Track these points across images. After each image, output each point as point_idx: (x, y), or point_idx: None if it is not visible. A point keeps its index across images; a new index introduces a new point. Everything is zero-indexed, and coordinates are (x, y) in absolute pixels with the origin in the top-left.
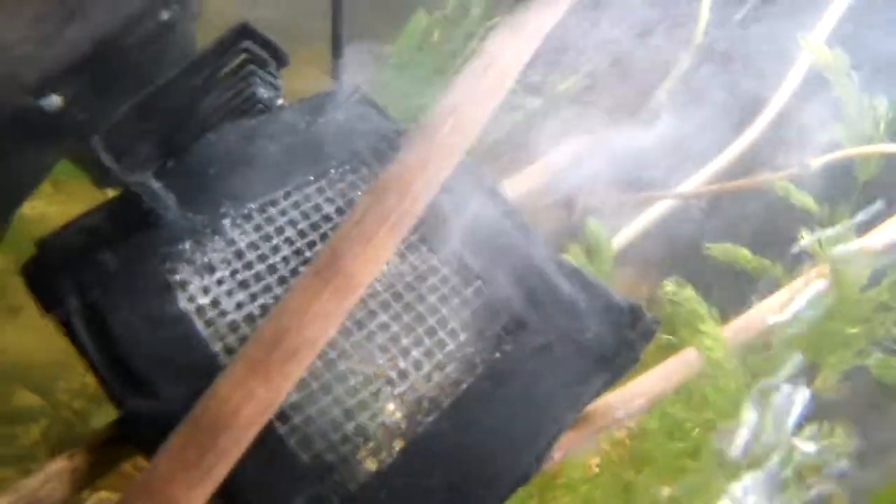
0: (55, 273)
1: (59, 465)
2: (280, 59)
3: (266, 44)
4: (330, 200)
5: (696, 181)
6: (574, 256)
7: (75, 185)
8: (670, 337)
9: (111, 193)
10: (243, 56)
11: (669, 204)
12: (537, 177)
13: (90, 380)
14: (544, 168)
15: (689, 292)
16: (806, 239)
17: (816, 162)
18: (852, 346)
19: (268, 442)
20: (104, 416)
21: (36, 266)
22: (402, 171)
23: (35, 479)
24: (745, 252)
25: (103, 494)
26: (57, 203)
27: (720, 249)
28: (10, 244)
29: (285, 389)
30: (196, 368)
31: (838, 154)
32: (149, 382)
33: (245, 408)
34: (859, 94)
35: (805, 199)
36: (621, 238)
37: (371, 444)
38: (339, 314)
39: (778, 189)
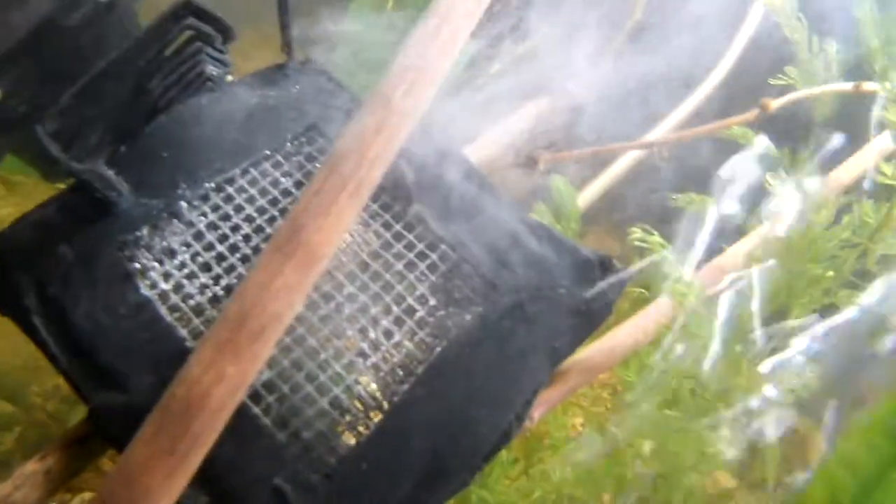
0: (9, 271)
1: (31, 468)
2: (226, 34)
3: (211, 19)
4: (288, 174)
5: (658, 132)
6: (540, 215)
7: (30, 186)
8: (644, 290)
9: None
10: (188, 33)
11: (633, 158)
12: (498, 139)
13: (63, 381)
14: (504, 131)
15: (656, 238)
16: (772, 183)
17: (774, 104)
18: (821, 285)
19: (242, 423)
20: (79, 415)
21: None
22: (357, 137)
23: (6, 484)
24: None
25: (87, 496)
26: (10, 206)
27: (686, 199)
28: None
29: (255, 368)
30: (163, 356)
31: (794, 96)
32: (116, 374)
33: (216, 390)
34: (809, 35)
35: (747, 134)
36: (588, 194)
37: (348, 418)
38: (303, 287)
39: (735, 135)
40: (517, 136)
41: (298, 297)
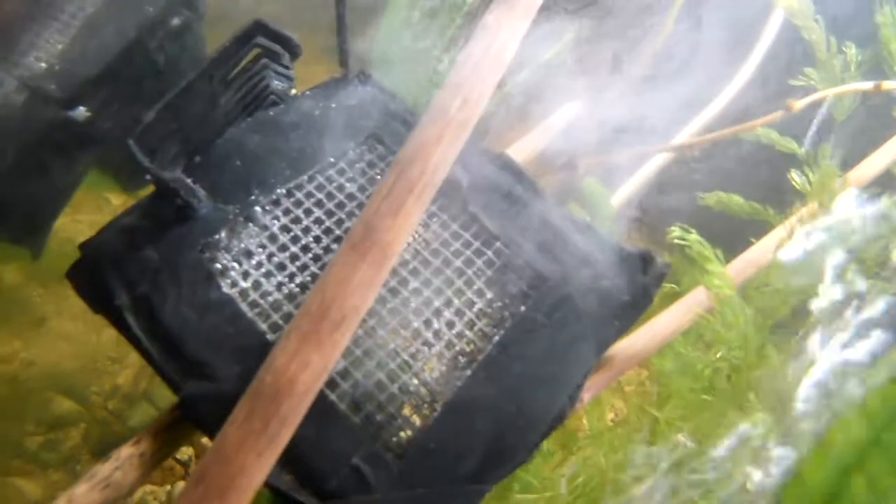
0: (101, 273)
1: (128, 451)
2: (293, 51)
3: (279, 37)
4: (352, 180)
5: (686, 133)
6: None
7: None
8: (674, 286)
9: (112, 199)
10: (257, 51)
11: (664, 158)
12: (538, 142)
13: (121, 380)
14: (543, 133)
15: (694, 236)
16: (796, 178)
17: (798, 105)
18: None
19: (321, 408)
20: (139, 413)
21: (81, 269)
22: (420, 145)
23: (107, 465)
24: (737, 198)
25: (148, 488)
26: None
27: (714, 198)
28: (26, 258)
29: (336, 356)
30: (246, 348)
31: (817, 95)
32: (204, 365)
33: (301, 376)
34: (827, 37)
35: (787, 143)
36: (621, 194)
37: (415, 402)
38: (377, 282)
39: (760, 135)
40: (555, 138)
41: (373, 291)
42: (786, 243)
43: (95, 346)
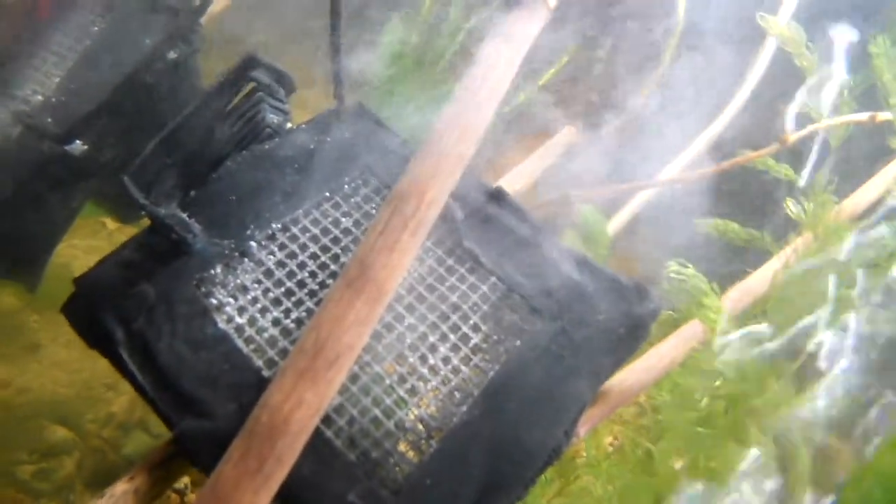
0: (96, 308)
1: (122, 488)
2: (287, 85)
3: (273, 72)
4: (347, 214)
5: (677, 164)
6: (571, 243)
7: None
8: (671, 312)
9: (108, 223)
10: (252, 85)
11: (656, 189)
12: (533, 171)
13: (116, 408)
14: (538, 162)
15: (691, 270)
16: (792, 208)
17: (792, 137)
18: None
19: (317, 445)
20: (134, 441)
21: (77, 303)
22: (415, 180)
23: (103, 501)
24: (734, 225)
25: None
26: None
27: (711, 225)
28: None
29: (331, 394)
30: (242, 384)
31: (812, 127)
32: (199, 402)
33: (296, 414)
34: (819, 64)
35: (787, 171)
36: (615, 222)
37: (411, 438)
38: (372, 319)
39: (760, 165)
40: (547, 170)
41: (368, 329)
42: (780, 274)
43: (90, 374)
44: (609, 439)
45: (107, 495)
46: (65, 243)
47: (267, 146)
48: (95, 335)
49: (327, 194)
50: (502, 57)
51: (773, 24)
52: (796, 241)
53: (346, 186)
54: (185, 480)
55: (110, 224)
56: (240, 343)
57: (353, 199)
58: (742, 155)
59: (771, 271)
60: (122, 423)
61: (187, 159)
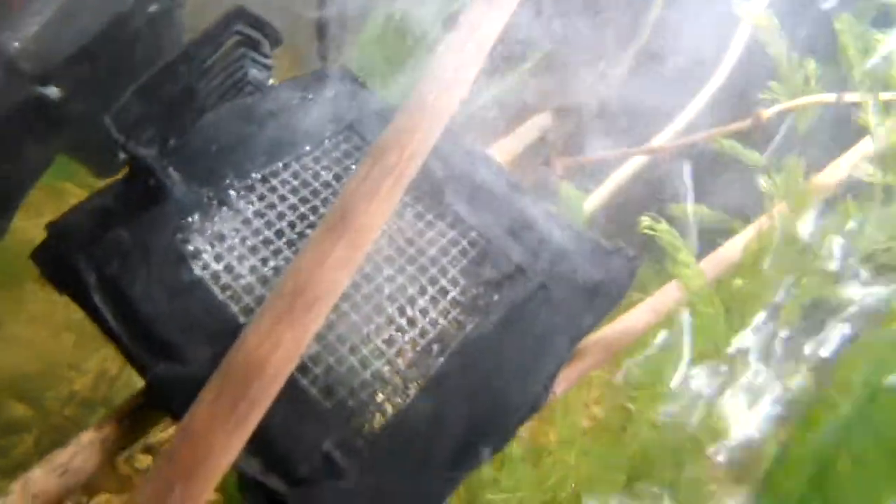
0: (68, 252)
1: (89, 436)
2: (273, 39)
3: (260, 24)
4: (327, 168)
5: (660, 139)
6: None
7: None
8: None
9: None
10: (236, 38)
11: (636, 165)
12: (515, 145)
13: (79, 386)
14: (521, 137)
15: (664, 226)
16: (764, 183)
17: (766, 114)
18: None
19: (292, 392)
20: (97, 419)
21: (48, 248)
22: (398, 132)
23: (66, 450)
24: (704, 209)
25: (104, 497)
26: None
27: (682, 209)
28: None
29: (308, 337)
30: (217, 330)
31: (783, 105)
32: (173, 347)
33: (272, 357)
34: (790, 52)
35: (749, 154)
36: (594, 199)
37: (388, 388)
38: (352, 265)
39: (724, 146)
40: (535, 139)
41: (347, 273)
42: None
43: (53, 352)
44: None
45: (73, 443)
46: (30, 222)
47: (249, 100)
48: (66, 280)
49: (308, 148)
50: (486, 18)
51: (747, 10)
52: (772, 211)
53: (326, 142)
54: (148, 461)
55: (74, 199)
56: (216, 290)
57: (333, 154)
58: (717, 129)
59: (745, 239)
60: (85, 400)
61: (167, 109)
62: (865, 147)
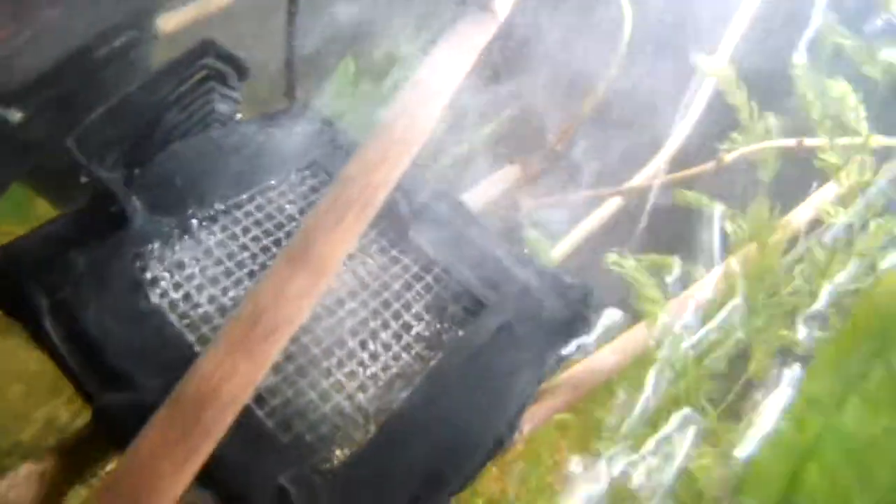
0: (21, 275)
1: (27, 469)
2: (241, 72)
3: (228, 57)
4: (292, 202)
5: (633, 181)
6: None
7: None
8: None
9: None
10: (204, 73)
11: (610, 210)
12: (486, 193)
13: (25, 436)
14: (492, 185)
15: (630, 262)
16: (729, 226)
17: (727, 158)
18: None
19: (248, 425)
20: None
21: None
22: (364, 162)
23: (3, 483)
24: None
25: None
26: None
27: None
28: None
29: (265, 367)
30: (171, 359)
31: (746, 149)
32: (124, 375)
33: (227, 384)
34: (750, 103)
35: (699, 199)
36: (564, 245)
37: (348, 423)
38: (313, 294)
39: (678, 195)
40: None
41: (308, 303)
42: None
43: None
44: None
45: (9, 476)
46: None
47: (215, 133)
48: (17, 303)
49: (273, 182)
50: (450, 58)
51: (706, 63)
52: (738, 252)
53: (292, 176)
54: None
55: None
56: (173, 319)
57: (299, 189)
58: (681, 172)
59: (714, 279)
60: (29, 450)
61: (132, 137)
62: (830, 190)
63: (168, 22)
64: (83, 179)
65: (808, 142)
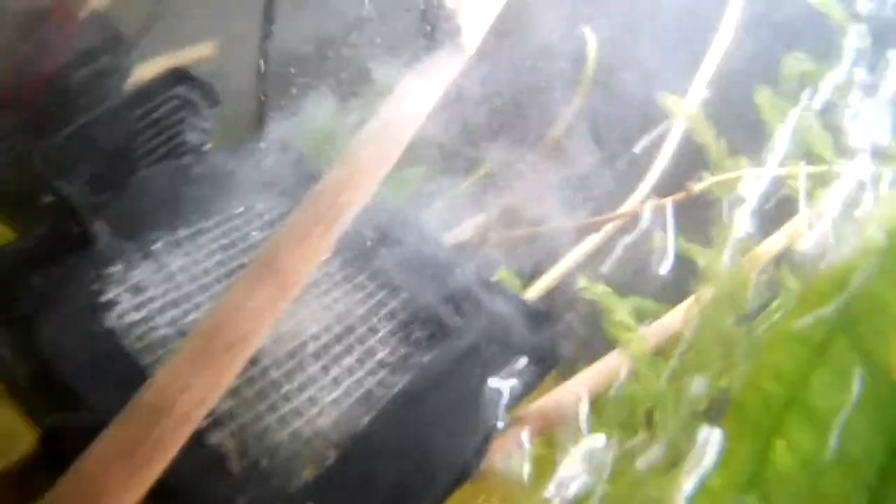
0: None
1: None
2: (212, 101)
3: (198, 85)
4: (259, 229)
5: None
6: None
7: None
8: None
9: None
10: (175, 102)
11: (584, 250)
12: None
13: None
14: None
15: (602, 288)
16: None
17: (696, 187)
18: None
19: (203, 448)
20: None
21: None
22: (331, 184)
23: None
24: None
25: None
26: None
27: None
28: None
29: (222, 383)
30: (127, 382)
31: (714, 179)
32: (76, 397)
33: (182, 398)
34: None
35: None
36: (539, 286)
37: (308, 449)
38: (274, 310)
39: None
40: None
41: (269, 318)
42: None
43: None
44: None
45: None
46: None
47: (184, 161)
48: None
49: (240, 210)
50: (419, 88)
51: (670, 101)
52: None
53: (260, 205)
54: None
55: None
56: (129, 340)
57: (266, 217)
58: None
59: (684, 309)
60: None
61: (100, 160)
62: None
63: (146, 72)
64: (46, 199)
65: (777, 171)
